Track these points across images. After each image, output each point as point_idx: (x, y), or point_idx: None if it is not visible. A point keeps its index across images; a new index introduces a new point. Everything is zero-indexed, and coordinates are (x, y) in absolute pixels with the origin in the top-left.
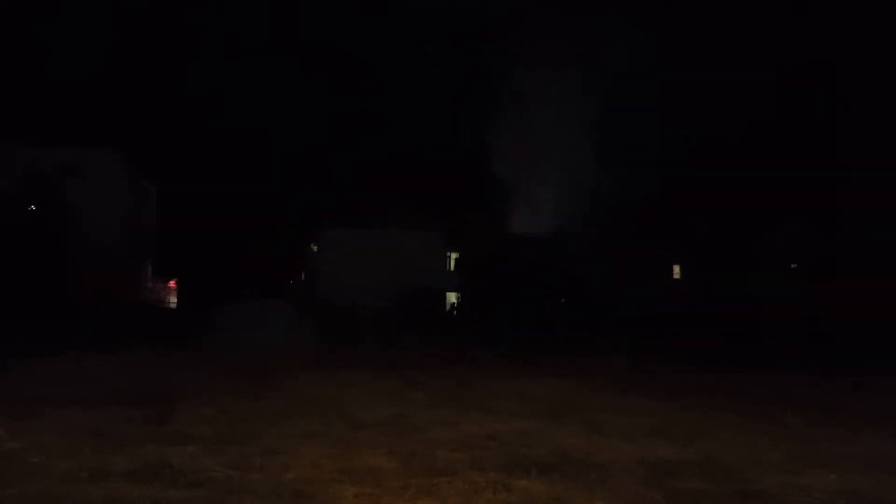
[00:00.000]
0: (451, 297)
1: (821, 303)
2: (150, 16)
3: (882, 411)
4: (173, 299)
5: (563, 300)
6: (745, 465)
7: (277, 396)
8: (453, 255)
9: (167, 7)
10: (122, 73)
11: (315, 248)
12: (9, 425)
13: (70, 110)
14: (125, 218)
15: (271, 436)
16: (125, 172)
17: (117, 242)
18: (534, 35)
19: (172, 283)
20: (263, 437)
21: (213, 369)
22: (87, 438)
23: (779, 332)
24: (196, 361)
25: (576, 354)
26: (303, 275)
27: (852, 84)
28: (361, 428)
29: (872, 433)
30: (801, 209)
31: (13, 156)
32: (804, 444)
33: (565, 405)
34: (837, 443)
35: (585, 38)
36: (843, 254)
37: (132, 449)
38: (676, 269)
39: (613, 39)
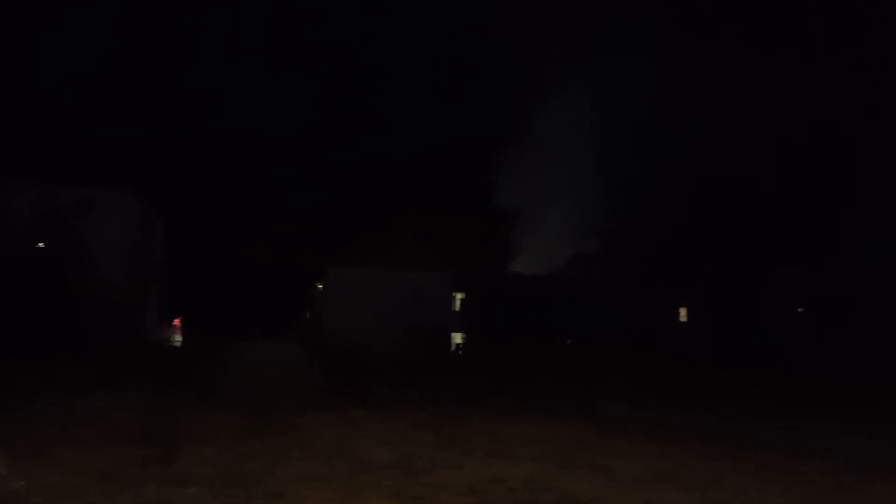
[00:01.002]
0: (457, 338)
1: (830, 347)
2: (158, 55)
3: (894, 458)
4: (178, 337)
5: (569, 341)
6: None
7: (282, 437)
8: (458, 296)
9: (176, 44)
10: (129, 110)
11: (320, 287)
12: (13, 465)
13: (80, 149)
14: (134, 255)
15: (275, 478)
16: (135, 210)
17: (126, 280)
18: (546, 72)
19: (177, 322)
20: (266, 479)
21: (218, 408)
22: (91, 479)
23: (789, 376)
24: (201, 400)
25: (583, 396)
26: (308, 313)
27: (861, 135)
28: (366, 470)
29: (883, 481)
30: (811, 253)
31: (26, 194)
32: (815, 491)
33: (572, 448)
34: (848, 490)
35: (598, 77)
36: (852, 298)
37: (135, 490)
38: (683, 311)
39: (625, 80)
